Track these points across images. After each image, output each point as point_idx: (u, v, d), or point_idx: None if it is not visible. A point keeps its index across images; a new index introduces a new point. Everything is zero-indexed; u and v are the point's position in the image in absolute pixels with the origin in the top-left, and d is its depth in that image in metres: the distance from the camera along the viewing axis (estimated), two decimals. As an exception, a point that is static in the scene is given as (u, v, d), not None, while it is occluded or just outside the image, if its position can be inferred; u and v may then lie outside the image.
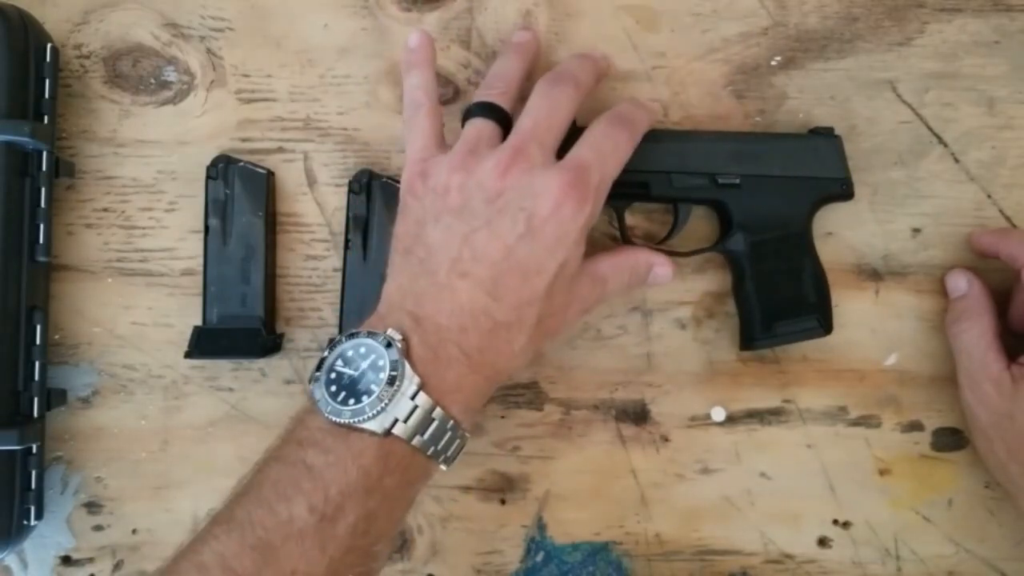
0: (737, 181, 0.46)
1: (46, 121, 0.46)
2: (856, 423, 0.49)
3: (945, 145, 0.49)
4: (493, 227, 0.40)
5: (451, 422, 0.38)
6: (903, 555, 0.49)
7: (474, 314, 0.39)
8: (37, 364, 0.46)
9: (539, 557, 0.49)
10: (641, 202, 0.48)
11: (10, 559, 0.49)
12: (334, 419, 0.37)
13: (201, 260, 0.48)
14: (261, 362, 0.49)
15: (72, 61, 0.49)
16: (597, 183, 0.41)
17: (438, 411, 0.38)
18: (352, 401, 0.37)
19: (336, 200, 0.49)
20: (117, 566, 0.49)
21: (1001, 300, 0.47)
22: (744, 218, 0.46)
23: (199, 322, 0.48)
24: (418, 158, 0.43)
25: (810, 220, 0.47)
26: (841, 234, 0.49)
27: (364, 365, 0.38)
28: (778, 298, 0.46)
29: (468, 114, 0.44)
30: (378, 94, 0.49)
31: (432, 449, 0.38)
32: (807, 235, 0.47)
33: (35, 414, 0.46)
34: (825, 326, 0.47)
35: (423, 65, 0.45)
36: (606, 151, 0.42)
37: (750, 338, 0.47)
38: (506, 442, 0.49)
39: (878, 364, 0.49)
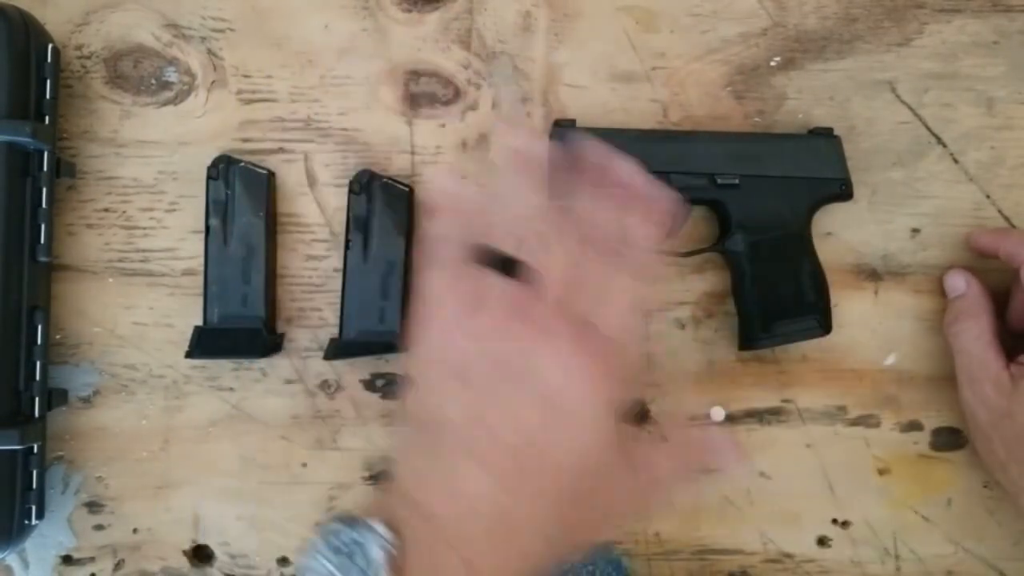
0: (736, 181, 0.46)
1: (47, 121, 0.46)
2: (855, 423, 0.49)
3: (944, 145, 0.49)
4: (501, 398, 0.34)
5: None
6: (902, 554, 0.49)
7: (480, 506, 0.33)
8: (38, 364, 0.46)
9: (539, 556, 0.49)
10: (641, 202, 0.48)
11: (11, 558, 0.49)
12: None
13: (202, 260, 0.48)
14: (262, 362, 0.49)
15: (73, 62, 0.49)
16: (623, 354, 0.35)
17: None
18: None
19: (336, 200, 0.49)
20: (118, 565, 0.49)
21: (999, 300, 0.47)
22: (743, 218, 0.47)
23: (200, 322, 0.48)
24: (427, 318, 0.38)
25: (809, 220, 0.47)
26: (840, 234, 0.49)
27: (352, 564, 0.32)
28: (777, 298, 0.47)
29: (469, 260, 0.38)
30: (378, 95, 0.49)
31: None
32: (806, 235, 0.47)
33: (36, 414, 0.46)
34: (824, 326, 0.47)
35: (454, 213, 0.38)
36: (625, 319, 0.36)
37: (749, 338, 0.47)
38: (506, 442, 0.50)
39: (877, 364, 0.49)
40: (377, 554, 0.32)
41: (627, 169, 0.38)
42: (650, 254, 0.37)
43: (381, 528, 0.33)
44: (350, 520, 0.33)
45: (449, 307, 0.37)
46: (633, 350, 0.36)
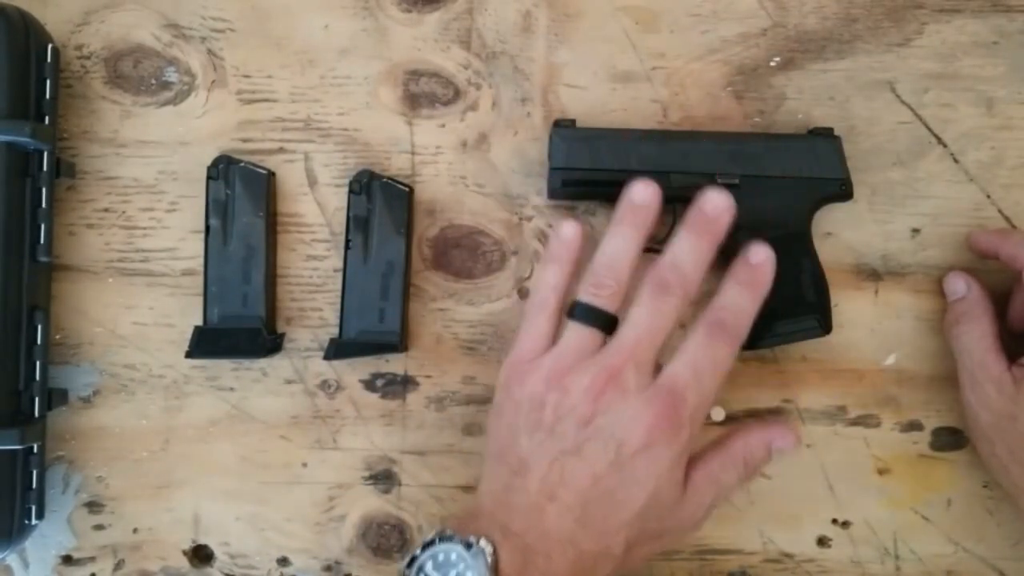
0: (736, 181, 0.46)
1: (47, 122, 0.46)
2: (855, 423, 0.49)
3: (944, 145, 0.49)
4: (583, 453, 0.39)
5: None
6: (902, 554, 0.49)
7: (560, 541, 0.39)
8: (38, 364, 0.46)
9: (539, 556, 0.49)
10: (641, 202, 0.48)
11: (11, 558, 0.49)
12: None
13: (202, 260, 0.48)
14: (262, 362, 0.49)
15: (73, 62, 0.49)
16: (693, 409, 0.40)
17: None
18: None
19: (337, 200, 0.49)
20: (118, 565, 0.49)
21: (1000, 301, 0.47)
22: (743, 218, 0.46)
23: (200, 322, 0.48)
24: (523, 358, 0.43)
25: (809, 220, 0.47)
26: (840, 234, 0.49)
27: (452, 574, 0.37)
28: (778, 298, 0.46)
29: (572, 313, 0.42)
30: (378, 95, 0.49)
31: None
32: (806, 235, 0.47)
33: (36, 414, 0.46)
34: (824, 326, 0.47)
35: (566, 263, 0.44)
36: (704, 370, 0.41)
37: (749, 338, 0.47)
38: (506, 442, 0.50)
39: (877, 364, 0.49)
40: (476, 565, 0.36)
41: (765, 255, 0.42)
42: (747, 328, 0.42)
43: (482, 542, 0.37)
44: (449, 536, 0.38)
45: (551, 357, 0.42)
46: (697, 392, 0.40)
